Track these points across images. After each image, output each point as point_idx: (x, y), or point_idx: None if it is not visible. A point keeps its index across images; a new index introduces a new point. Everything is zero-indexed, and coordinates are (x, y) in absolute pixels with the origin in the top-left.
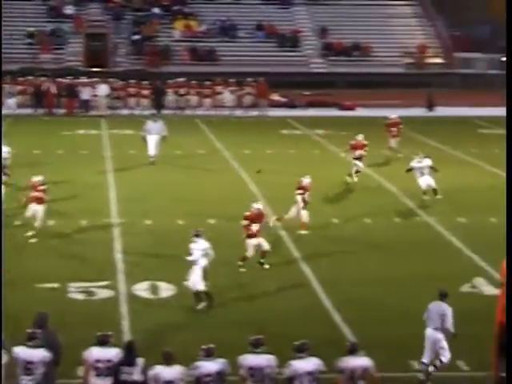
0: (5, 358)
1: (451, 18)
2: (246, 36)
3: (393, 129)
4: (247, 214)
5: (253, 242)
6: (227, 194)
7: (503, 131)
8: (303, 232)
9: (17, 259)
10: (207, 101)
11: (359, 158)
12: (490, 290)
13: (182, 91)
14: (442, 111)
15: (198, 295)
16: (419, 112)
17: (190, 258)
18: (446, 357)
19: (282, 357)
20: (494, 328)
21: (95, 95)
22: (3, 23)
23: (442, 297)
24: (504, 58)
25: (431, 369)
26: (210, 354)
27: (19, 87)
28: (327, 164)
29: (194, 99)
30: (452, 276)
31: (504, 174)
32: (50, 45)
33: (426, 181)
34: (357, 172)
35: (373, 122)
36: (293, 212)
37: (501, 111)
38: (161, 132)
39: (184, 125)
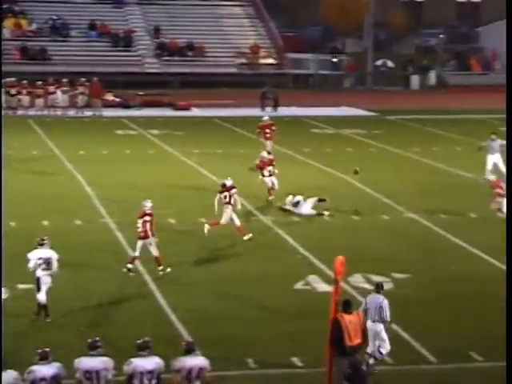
0: None
1: (283, 19)
2: (79, 35)
3: (267, 130)
4: (148, 211)
5: (144, 242)
6: (62, 196)
7: (334, 131)
8: (246, 238)
9: None
10: (39, 101)
11: (271, 175)
12: (323, 287)
13: (13, 91)
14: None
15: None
16: (253, 112)
17: (29, 266)
18: (385, 348)
19: (120, 358)
20: (327, 324)
21: None
22: None
23: (378, 288)
24: (335, 59)
25: (371, 361)
26: (44, 358)
27: None
28: (163, 163)
29: (25, 99)
30: (287, 274)
31: (337, 173)
32: None
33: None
34: (272, 189)
35: (208, 122)
36: (225, 217)
37: (331, 111)
38: None
39: (16, 125)
